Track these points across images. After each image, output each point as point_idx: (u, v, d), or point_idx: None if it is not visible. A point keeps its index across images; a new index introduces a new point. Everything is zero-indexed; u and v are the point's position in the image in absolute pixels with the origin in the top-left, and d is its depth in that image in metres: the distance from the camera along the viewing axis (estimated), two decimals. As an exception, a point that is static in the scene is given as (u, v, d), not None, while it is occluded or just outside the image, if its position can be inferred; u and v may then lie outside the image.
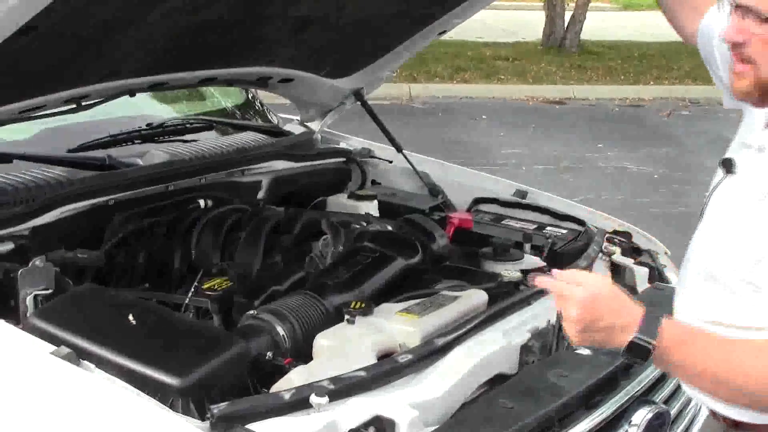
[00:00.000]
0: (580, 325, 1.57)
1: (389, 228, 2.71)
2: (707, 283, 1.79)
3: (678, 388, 2.22)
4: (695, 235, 1.88)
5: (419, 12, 2.95)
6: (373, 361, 1.98)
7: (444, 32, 3.15)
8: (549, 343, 2.21)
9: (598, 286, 1.60)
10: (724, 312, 1.72)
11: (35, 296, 2.11)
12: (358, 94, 3.38)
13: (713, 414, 1.87)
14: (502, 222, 3.07)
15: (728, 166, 1.81)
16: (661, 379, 2.21)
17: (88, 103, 2.62)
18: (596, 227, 2.94)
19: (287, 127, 3.54)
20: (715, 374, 1.57)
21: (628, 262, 2.74)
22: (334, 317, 2.19)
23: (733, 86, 1.73)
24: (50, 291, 2.12)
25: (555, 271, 1.66)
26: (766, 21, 1.62)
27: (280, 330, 2.10)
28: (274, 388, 1.87)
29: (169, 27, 2.33)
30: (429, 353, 1.99)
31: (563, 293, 1.59)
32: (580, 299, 1.56)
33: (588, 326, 1.57)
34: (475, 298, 2.35)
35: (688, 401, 2.27)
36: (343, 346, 2.04)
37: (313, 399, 1.71)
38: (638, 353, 1.56)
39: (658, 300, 2.28)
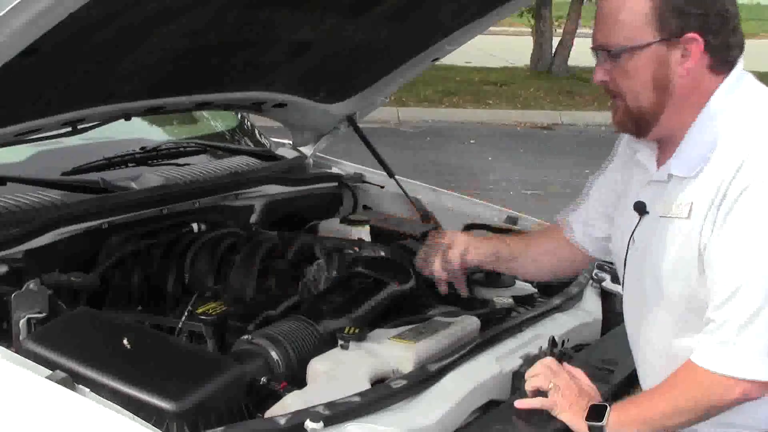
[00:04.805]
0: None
1: (382, 253, 2.73)
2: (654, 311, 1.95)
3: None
4: (625, 280, 2.07)
5: (414, 39, 2.98)
6: (367, 386, 1.99)
7: (437, 59, 3.18)
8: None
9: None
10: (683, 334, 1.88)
11: (29, 319, 2.09)
12: (351, 120, 3.40)
13: None
14: (494, 248, 3.07)
15: (641, 208, 1.95)
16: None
17: (83, 126, 2.63)
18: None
19: (279, 151, 3.56)
20: (669, 419, 1.83)
21: (617, 289, 2.76)
22: (328, 342, 2.19)
23: (612, 122, 1.91)
24: (44, 314, 2.11)
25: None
26: (616, 55, 1.79)
27: (275, 354, 2.10)
28: (269, 413, 1.88)
29: (167, 51, 2.35)
30: (423, 379, 2.00)
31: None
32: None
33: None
34: (468, 324, 2.36)
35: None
36: (337, 371, 2.05)
37: (308, 424, 1.71)
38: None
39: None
